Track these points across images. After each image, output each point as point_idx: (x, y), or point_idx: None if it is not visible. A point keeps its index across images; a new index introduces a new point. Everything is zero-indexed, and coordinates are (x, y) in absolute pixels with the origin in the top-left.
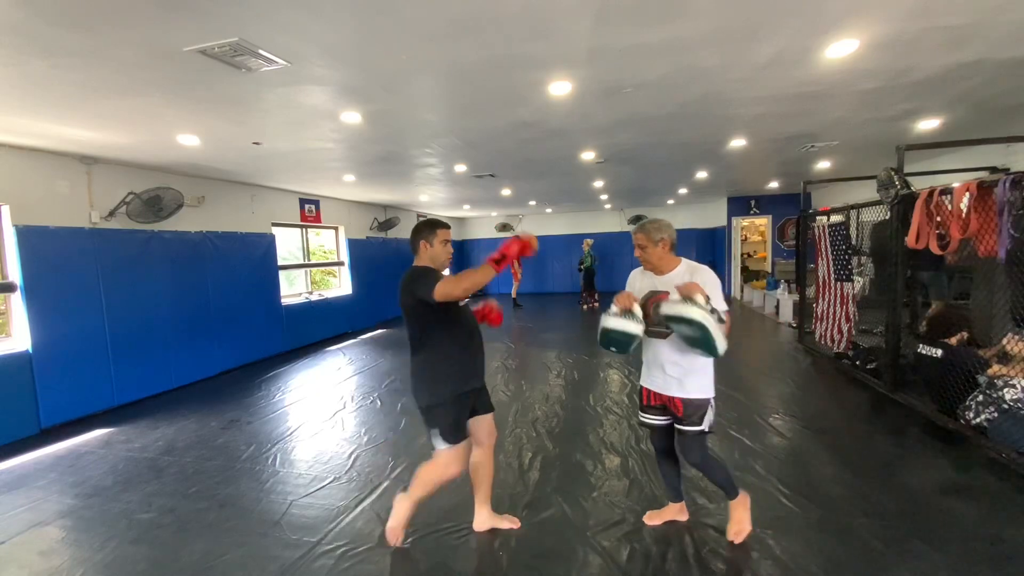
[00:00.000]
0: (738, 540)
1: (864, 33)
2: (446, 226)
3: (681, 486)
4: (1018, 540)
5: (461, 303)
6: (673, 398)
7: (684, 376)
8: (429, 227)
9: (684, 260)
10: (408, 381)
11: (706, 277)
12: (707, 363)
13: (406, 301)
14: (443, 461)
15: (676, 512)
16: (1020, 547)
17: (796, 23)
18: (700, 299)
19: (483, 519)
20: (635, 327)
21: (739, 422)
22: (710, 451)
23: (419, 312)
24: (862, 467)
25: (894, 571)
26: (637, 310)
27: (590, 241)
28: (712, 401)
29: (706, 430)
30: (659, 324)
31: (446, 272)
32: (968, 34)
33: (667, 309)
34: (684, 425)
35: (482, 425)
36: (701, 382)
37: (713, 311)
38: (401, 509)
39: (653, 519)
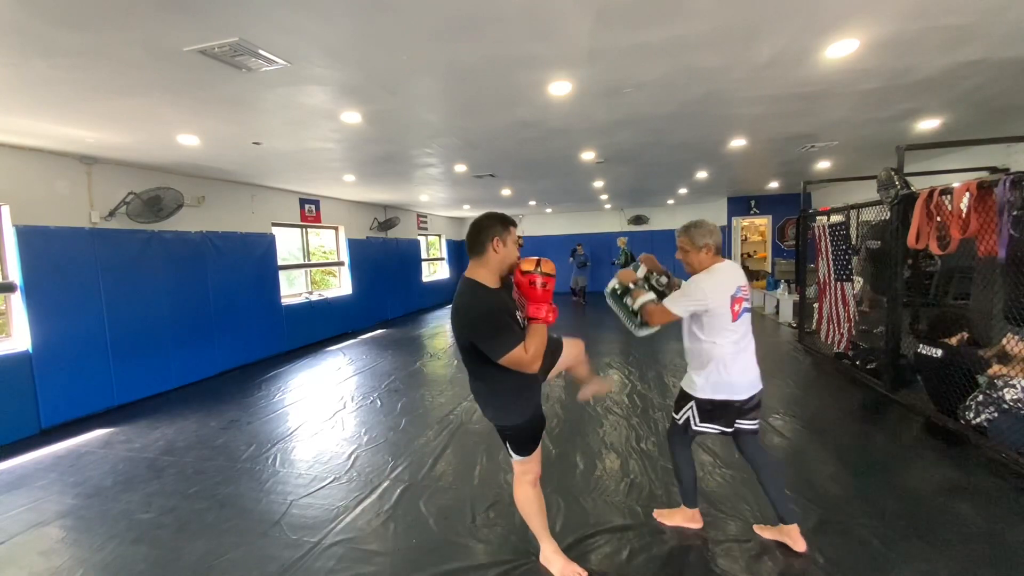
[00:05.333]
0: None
1: (864, 33)
2: (515, 223)
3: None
4: (1018, 540)
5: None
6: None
7: (688, 367)
8: (503, 223)
9: (716, 265)
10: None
11: (690, 280)
12: (701, 362)
13: (464, 342)
14: (520, 470)
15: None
16: (1020, 547)
17: (796, 23)
18: (624, 279)
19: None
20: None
21: None
22: (681, 451)
23: (476, 352)
24: (862, 467)
25: (894, 571)
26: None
27: (625, 239)
28: (695, 404)
29: (678, 420)
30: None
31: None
32: (968, 34)
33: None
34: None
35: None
36: (690, 379)
37: (642, 285)
38: (549, 552)
39: (663, 518)
